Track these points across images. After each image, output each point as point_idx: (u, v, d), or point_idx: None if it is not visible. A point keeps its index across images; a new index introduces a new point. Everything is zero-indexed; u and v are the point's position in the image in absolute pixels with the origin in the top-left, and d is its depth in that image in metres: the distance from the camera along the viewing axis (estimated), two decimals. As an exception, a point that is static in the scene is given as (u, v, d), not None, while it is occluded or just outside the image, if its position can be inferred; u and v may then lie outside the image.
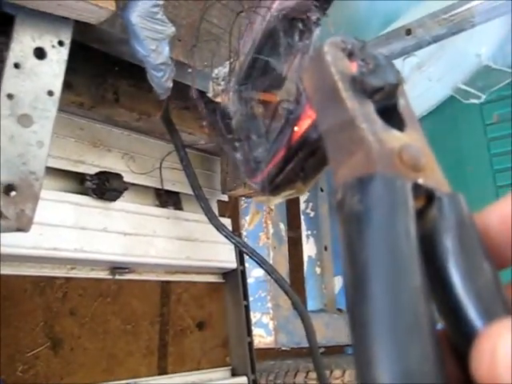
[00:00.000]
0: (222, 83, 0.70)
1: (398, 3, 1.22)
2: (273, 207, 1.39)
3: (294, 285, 1.43)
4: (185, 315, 1.99)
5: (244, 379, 1.13)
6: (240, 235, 1.27)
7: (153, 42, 0.81)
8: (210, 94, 0.73)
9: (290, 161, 0.54)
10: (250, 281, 1.28)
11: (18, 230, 0.73)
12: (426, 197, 0.32)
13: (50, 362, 1.73)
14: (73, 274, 0.95)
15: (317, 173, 0.55)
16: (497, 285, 0.29)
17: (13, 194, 0.72)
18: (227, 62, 0.69)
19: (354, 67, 0.38)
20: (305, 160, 0.52)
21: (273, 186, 0.58)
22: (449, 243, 0.29)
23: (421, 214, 0.31)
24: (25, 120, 0.72)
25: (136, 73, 0.91)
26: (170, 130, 0.98)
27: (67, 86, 0.90)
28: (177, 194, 1.13)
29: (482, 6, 1.01)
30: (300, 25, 0.63)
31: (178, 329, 2.00)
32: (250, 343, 1.13)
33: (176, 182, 1.11)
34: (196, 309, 1.97)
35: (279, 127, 0.58)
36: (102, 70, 0.93)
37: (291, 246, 1.48)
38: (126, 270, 1.03)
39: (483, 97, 1.27)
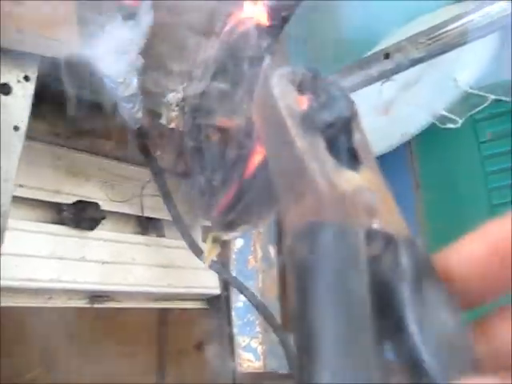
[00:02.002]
0: (176, 109, 0.69)
1: (382, 26, 1.22)
2: (261, 230, 1.39)
3: (285, 308, 1.42)
4: (183, 336, 1.98)
5: (226, 407, 1.13)
6: (226, 260, 1.27)
7: (119, 75, 0.82)
8: (162, 121, 0.72)
9: (243, 196, 0.52)
10: (238, 305, 1.27)
11: (-16, 264, 0.73)
12: (384, 242, 0.30)
13: (47, 384, 1.72)
14: (50, 303, 0.96)
15: (273, 209, 0.54)
16: (459, 336, 0.27)
17: (-22, 229, 0.72)
18: (181, 87, 0.68)
19: (303, 100, 0.36)
20: (259, 196, 0.51)
21: (226, 222, 0.57)
22: (405, 293, 0.28)
23: (378, 260, 0.29)
24: (-11, 156, 0.73)
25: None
26: (147, 158, 0.98)
27: (41, 117, 0.91)
28: (159, 220, 1.13)
29: (462, 29, 1.01)
30: (250, 51, 0.61)
31: (176, 350, 1.99)
32: (234, 371, 1.12)
33: (158, 208, 1.11)
34: (195, 330, 1.96)
35: (232, 159, 0.56)
36: (78, 99, 0.94)
37: (282, 268, 1.47)
38: (106, 299, 1.03)
39: (460, 121, 1.26)
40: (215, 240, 0.65)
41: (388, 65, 1.03)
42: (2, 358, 1.66)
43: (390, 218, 0.31)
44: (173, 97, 0.71)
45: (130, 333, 2.00)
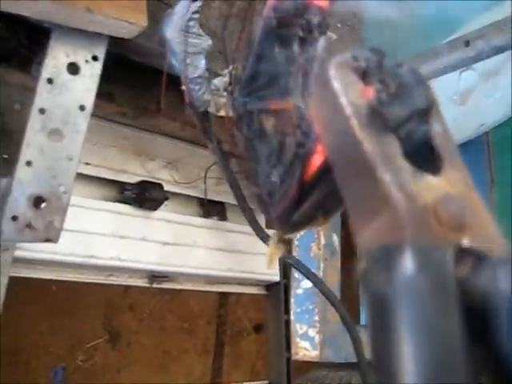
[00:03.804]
0: (224, 94, 0.64)
1: (463, 12, 1.15)
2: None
3: (346, 298, 1.39)
4: (243, 317, 2.00)
5: (280, 395, 1.12)
6: (290, 246, 1.25)
7: (188, 56, 0.80)
8: (211, 109, 0.68)
9: (306, 198, 0.48)
10: (298, 292, 1.26)
11: (47, 240, 0.75)
12: (474, 260, 0.25)
13: (108, 354, 1.78)
14: (110, 280, 0.97)
15: (340, 207, 0.49)
16: None
17: (42, 206, 0.74)
18: (226, 71, 0.64)
19: (370, 92, 0.30)
20: (324, 197, 0.46)
21: (291, 224, 0.52)
22: (504, 324, 0.23)
23: (468, 281, 0.24)
24: (55, 134, 0.73)
25: (179, 83, 0.91)
26: (210, 140, 0.97)
27: (109, 96, 0.91)
28: (222, 204, 1.12)
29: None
30: (299, 31, 0.55)
31: (235, 330, 2.00)
32: (289, 359, 1.11)
33: (221, 191, 1.10)
34: (254, 311, 1.97)
35: (291, 153, 0.52)
36: (144, 81, 0.93)
37: (345, 257, 1.44)
38: (165, 279, 1.03)
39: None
40: (279, 241, 0.61)
41: (468, 52, 0.98)
42: (66, 327, 1.72)
43: (481, 232, 0.26)
44: (219, 81, 0.67)
45: (191, 311, 2.04)
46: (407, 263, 0.23)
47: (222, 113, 0.64)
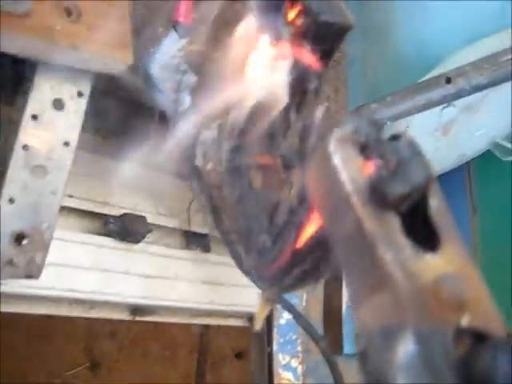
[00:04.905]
0: (212, 148, 0.64)
1: (442, 49, 1.18)
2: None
3: (329, 327, 1.39)
4: (224, 344, 1.98)
5: (263, 429, 1.11)
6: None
7: (173, 93, 0.81)
8: (198, 163, 0.68)
9: (299, 263, 0.47)
10: (281, 322, 1.25)
11: (28, 277, 0.74)
12: (474, 340, 0.25)
13: (88, 382, 1.75)
14: (92, 314, 0.96)
15: (331, 272, 0.49)
16: None
17: (24, 242, 0.73)
18: (214, 125, 0.64)
19: (370, 167, 0.30)
20: (316, 264, 0.46)
21: (283, 286, 0.52)
22: None
23: (467, 361, 0.24)
24: (39, 171, 0.73)
25: (165, 116, 0.91)
26: (195, 173, 0.97)
27: (96, 130, 0.91)
28: (205, 235, 1.12)
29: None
30: (297, 97, 0.55)
31: (216, 358, 1.98)
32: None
33: (205, 224, 1.09)
34: (236, 338, 1.95)
35: (283, 221, 0.50)
36: (129, 114, 0.94)
37: (329, 285, 1.44)
38: (147, 312, 1.02)
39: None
40: (267, 300, 0.61)
41: (449, 89, 0.99)
42: (44, 353, 1.70)
43: (480, 310, 0.26)
44: (208, 133, 0.66)
45: (173, 338, 2.02)
46: (407, 343, 0.24)
47: (210, 166, 0.63)
